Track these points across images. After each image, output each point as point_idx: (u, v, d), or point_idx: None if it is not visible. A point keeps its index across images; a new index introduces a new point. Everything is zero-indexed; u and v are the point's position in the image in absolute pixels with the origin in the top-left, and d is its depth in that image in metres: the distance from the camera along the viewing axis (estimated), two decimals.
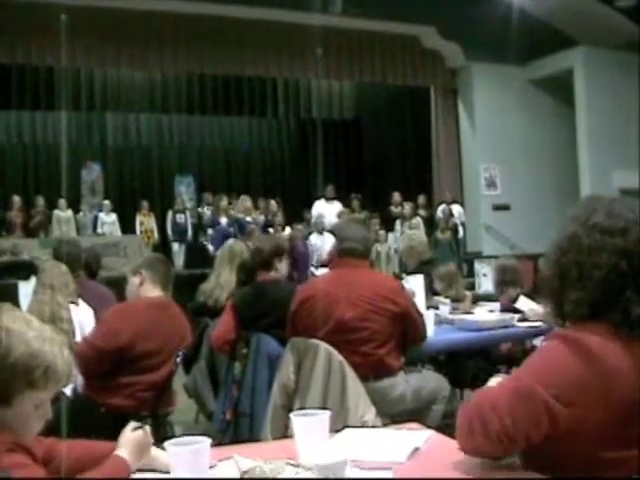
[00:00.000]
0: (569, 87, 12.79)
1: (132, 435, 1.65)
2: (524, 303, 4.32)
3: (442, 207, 12.28)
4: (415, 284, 4.13)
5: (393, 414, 3.16)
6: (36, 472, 1.44)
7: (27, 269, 5.34)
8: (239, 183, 14.93)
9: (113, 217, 12.23)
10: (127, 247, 10.62)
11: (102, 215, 12.19)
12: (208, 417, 4.38)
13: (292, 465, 1.59)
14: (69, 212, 11.91)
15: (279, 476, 1.53)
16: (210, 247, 10.87)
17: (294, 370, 3.17)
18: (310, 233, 11.37)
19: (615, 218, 1.51)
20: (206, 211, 12.50)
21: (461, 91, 13.62)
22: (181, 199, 13.44)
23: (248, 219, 11.38)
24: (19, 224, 11.45)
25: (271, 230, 11.32)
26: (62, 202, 11.77)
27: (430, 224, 12.17)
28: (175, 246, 12.35)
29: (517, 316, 4.28)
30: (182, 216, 12.55)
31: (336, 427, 1.88)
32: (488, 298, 5.36)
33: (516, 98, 13.15)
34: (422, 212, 12.55)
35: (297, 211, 12.60)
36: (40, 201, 11.94)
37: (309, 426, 1.70)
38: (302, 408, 2.49)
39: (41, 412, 1.51)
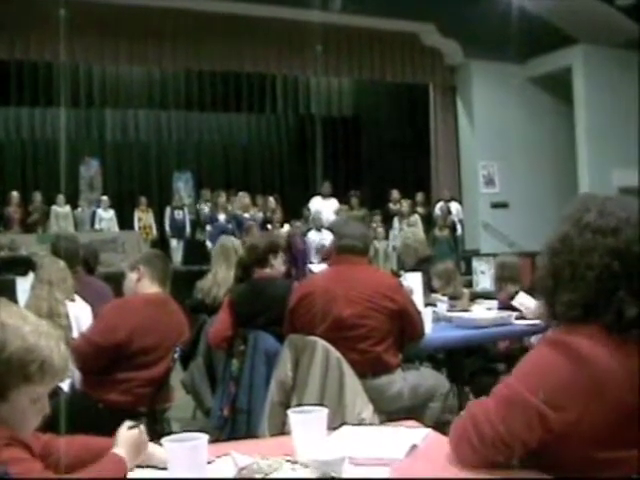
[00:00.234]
0: (568, 85, 12.78)
1: (128, 434, 1.65)
2: (522, 299, 4.32)
3: (440, 205, 12.28)
4: (413, 281, 4.14)
5: (390, 411, 3.17)
6: (34, 467, 1.44)
7: (25, 265, 5.35)
8: (237, 179, 14.90)
9: (111, 213, 12.23)
10: (125, 243, 10.60)
11: (100, 211, 12.19)
12: (205, 413, 4.39)
13: (290, 462, 1.59)
14: (67, 208, 11.91)
15: (276, 473, 1.53)
16: (209, 243, 10.87)
17: (291, 367, 3.17)
18: (309, 230, 11.38)
19: (607, 217, 1.48)
20: (204, 207, 12.50)
21: (460, 89, 13.60)
22: (179, 195, 13.43)
23: (246, 216, 11.39)
24: (17, 219, 11.45)
25: (270, 227, 11.33)
26: (60, 198, 11.77)
27: (428, 221, 12.18)
28: (173, 242, 12.34)
29: (515, 314, 4.28)
30: (180, 212, 12.54)
31: (333, 424, 1.88)
32: (486, 296, 5.37)
33: (515, 96, 13.14)
34: (420, 209, 12.55)
35: (296, 208, 12.59)
36: (38, 197, 11.94)
37: (307, 423, 1.69)
38: (299, 405, 2.49)
39: (38, 407, 1.51)
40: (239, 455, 1.59)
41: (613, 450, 1.40)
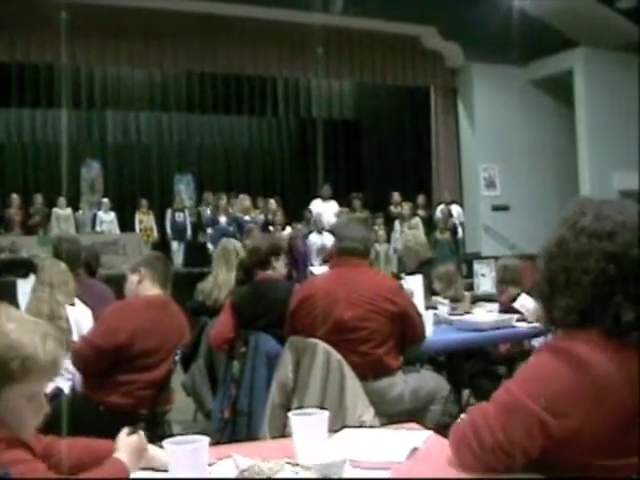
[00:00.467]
0: (569, 88, 12.79)
1: (128, 440, 1.64)
2: (523, 301, 4.32)
3: (441, 207, 12.28)
4: (414, 284, 4.13)
5: (391, 414, 3.16)
6: (37, 467, 1.44)
7: (26, 267, 5.35)
8: (239, 182, 14.92)
9: (112, 215, 12.23)
10: (126, 245, 10.62)
11: (101, 213, 12.19)
12: (206, 416, 4.39)
13: (290, 464, 1.59)
14: (68, 210, 11.90)
15: (277, 475, 1.53)
16: (210, 246, 10.88)
17: (292, 369, 3.17)
18: (310, 232, 11.38)
19: (603, 221, 1.46)
20: (205, 210, 12.50)
21: (461, 91, 13.61)
22: (180, 198, 13.44)
23: (247, 218, 11.39)
24: (18, 222, 11.46)
25: (271, 229, 11.33)
26: (61, 200, 11.76)
27: (429, 224, 12.16)
28: (174, 245, 12.36)
29: (516, 316, 4.28)
30: (181, 215, 12.55)
31: (334, 427, 1.87)
32: (487, 298, 5.37)
33: (516, 98, 13.15)
34: (421, 212, 12.55)
35: (297, 210, 12.60)
36: (39, 199, 11.94)
37: (308, 425, 1.69)
38: (300, 407, 2.50)
39: (35, 405, 1.49)
40: (240, 457, 1.59)
41: (613, 457, 1.39)
